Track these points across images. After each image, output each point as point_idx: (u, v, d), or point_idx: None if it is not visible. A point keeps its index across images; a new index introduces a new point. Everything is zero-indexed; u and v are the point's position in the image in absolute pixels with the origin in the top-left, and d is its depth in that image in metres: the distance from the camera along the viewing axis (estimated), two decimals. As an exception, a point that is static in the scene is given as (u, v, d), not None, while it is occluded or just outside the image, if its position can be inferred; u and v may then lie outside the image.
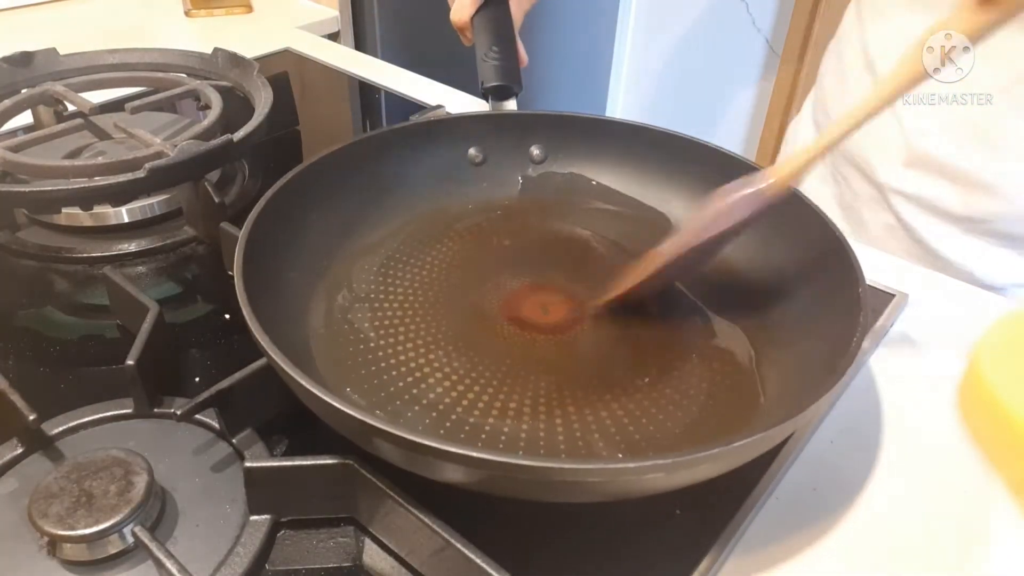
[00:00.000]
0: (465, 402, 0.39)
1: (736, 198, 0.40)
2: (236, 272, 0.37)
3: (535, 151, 0.56)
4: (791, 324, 0.43)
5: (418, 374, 0.40)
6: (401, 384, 0.40)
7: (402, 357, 0.41)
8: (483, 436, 0.37)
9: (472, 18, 0.60)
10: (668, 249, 0.42)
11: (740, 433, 0.31)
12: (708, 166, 0.51)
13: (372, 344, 0.42)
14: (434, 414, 0.38)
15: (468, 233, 0.52)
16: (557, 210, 0.55)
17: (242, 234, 0.39)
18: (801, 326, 0.42)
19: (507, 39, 0.60)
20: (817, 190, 0.72)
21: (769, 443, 0.32)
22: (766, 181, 0.40)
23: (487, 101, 0.58)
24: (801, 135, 0.78)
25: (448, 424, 0.37)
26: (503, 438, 0.37)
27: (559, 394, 0.40)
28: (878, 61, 0.64)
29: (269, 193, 0.43)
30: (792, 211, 0.44)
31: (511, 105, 0.58)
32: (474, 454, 0.28)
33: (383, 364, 0.41)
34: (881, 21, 0.63)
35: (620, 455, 0.37)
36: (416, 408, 0.38)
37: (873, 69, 0.64)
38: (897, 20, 0.61)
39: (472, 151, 0.55)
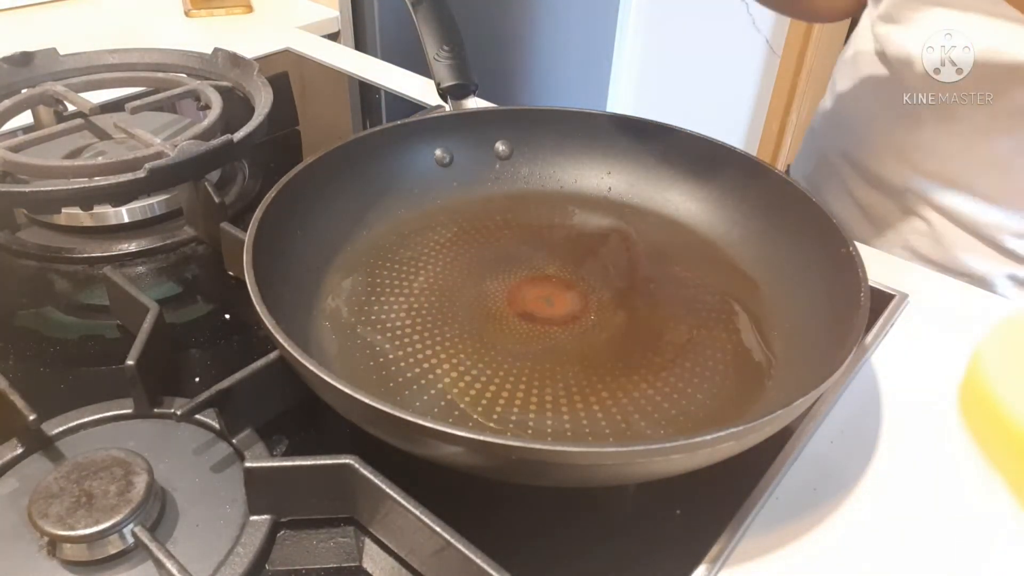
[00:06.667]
0: (502, 401, 0.39)
1: None
2: (247, 276, 0.36)
3: (500, 147, 0.56)
4: (780, 283, 0.46)
5: (447, 380, 0.40)
6: (433, 392, 0.39)
7: (425, 366, 0.41)
8: (529, 431, 0.37)
9: (415, 19, 0.60)
10: None
11: (763, 396, 0.31)
12: (673, 148, 0.53)
13: (391, 356, 0.41)
14: (476, 416, 0.38)
15: (449, 235, 0.52)
16: (531, 202, 0.55)
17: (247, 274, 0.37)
18: (791, 284, 0.45)
19: (455, 36, 0.60)
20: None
21: (809, 401, 0.33)
22: None
23: (445, 102, 0.58)
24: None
25: (492, 424, 0.38)
26: (549, 431, 0.37)
27: (589, 381, 0.40)
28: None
29: (255, 222, 0.41)
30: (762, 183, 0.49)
31: (470, 103, 0.58)
32: (573, 449, 0.29)
33: (407, 375, 0.40)
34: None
35: (663, 432, 0.37)
36: (456, 413, 0.38)
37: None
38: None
39: (438, 152, 0.54)
